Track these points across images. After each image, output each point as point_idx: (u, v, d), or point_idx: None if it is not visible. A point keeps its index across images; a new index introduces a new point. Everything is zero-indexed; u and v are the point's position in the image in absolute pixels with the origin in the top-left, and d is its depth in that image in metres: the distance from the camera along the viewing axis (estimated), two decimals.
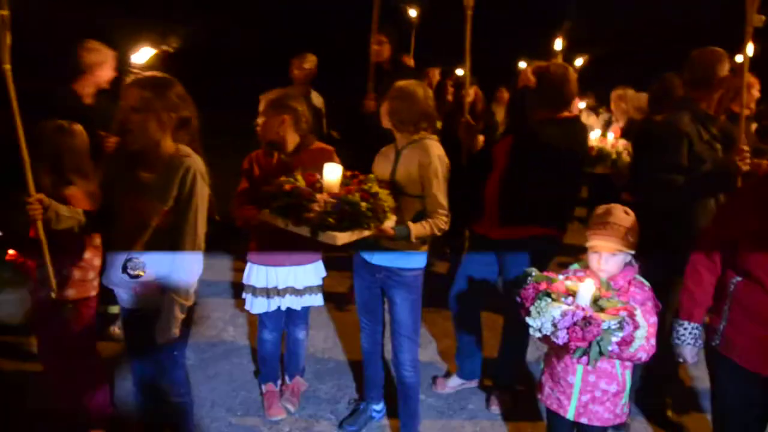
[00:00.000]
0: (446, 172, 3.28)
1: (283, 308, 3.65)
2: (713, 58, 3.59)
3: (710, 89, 3.57)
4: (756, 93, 4.40)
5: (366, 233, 2.94)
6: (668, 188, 3.48)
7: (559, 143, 3.59)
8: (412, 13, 5.98)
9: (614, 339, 2.27)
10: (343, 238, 2.82)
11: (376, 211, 2.90)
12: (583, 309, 2.31)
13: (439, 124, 5.90)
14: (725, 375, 2.87)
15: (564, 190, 3.74)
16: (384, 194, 3.01)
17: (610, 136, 5.80)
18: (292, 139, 3.47)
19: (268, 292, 3.59)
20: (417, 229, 3.16)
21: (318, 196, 2.87)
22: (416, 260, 3.37)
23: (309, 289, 3.67)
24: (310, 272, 3.66)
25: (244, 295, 3.68)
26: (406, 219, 3.21)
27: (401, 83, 3.27)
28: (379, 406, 3.79)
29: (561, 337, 2.30)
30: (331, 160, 3.30)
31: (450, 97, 6.33)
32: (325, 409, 3.89)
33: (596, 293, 2.45)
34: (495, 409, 3.97)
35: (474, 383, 4.22)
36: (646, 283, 2.68)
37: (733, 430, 2.94)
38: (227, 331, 4.94)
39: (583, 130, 3.87)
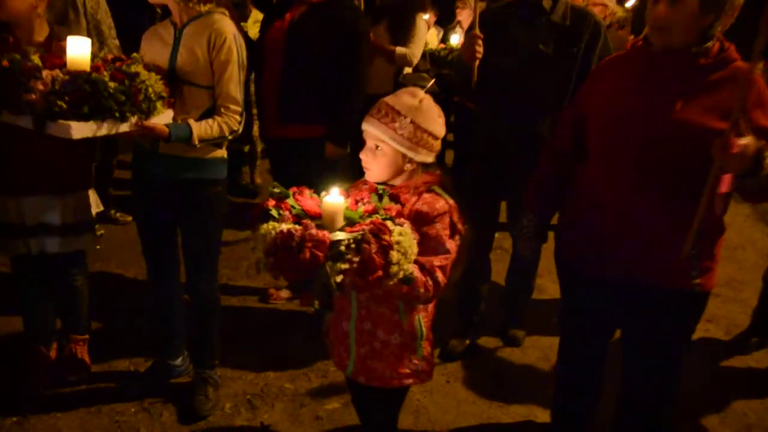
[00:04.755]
0: (243, 57, 2.55)
1: (37, 252, 2.73)
2: None
3: None
4: None
5: (123, 128, 2.15)
6: None
7: (328, 27, 3.12)
8: None
9: (343, 266, 1.53)
10: (81, 129, 2.02)
11: (134, 97, 2.10)
12: (308, 226, 1.56)
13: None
14: (565, 282, 2.53)
15: (342, 81, 3.20)
16: (150, 77, 2.21)
17: (454, 38, 5.65)
18: (40, 28, 2.53)
19: (15, 231, 2.67)
20: (200, 128, 2.42)
21: (45, 72, 2.01)
22: (212, 169, 2.63)
23: (74, 227, 2.75)
24: (75, 203, 2.74)
25: None
26: (192, 117, 2.46)
27: None
28: (179, 361, 3.05)
29: (271, 266, 1.58)
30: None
31: None
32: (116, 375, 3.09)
33: (358, 212, 1.71)
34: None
35: None
36: (447, 197, 1.90)
37: (570, 344, 2.60)
38: None
39: (353, 11, 3.32)
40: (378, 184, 1.88)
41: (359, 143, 1.95)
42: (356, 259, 1.54)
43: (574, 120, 2.34)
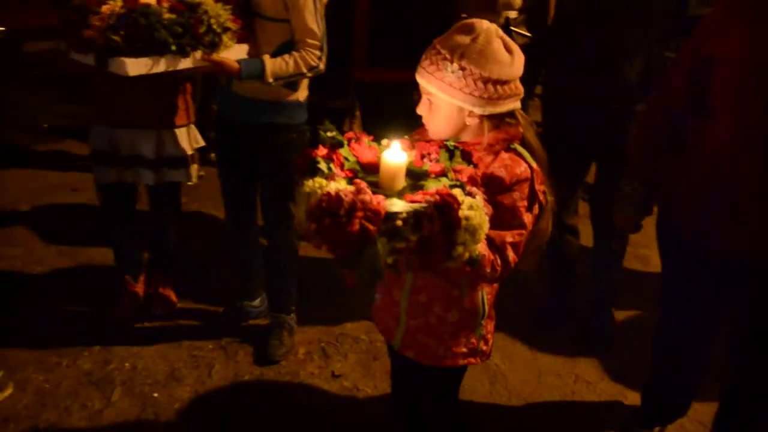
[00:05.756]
0: None
1: (131, 181, 2.79)
2: None
3: None
4: None
5: (186, 63, 2.07)
6: None
7: None
8: None
9: (398, 245, 1.29)
10: (137, 65, 1.96)
11: (193, 29, 2.01)
12: (362, 190, 1.28)
13: None
14: (671, 256, 2.20)
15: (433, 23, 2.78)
16: (215, 8, 2.10)
17: None
18: None
19: (109, 159, 2.73)
20: (275, 64, 2.28)
21: (104, 6, 1.96)
22: (287, 113, 2.51)
23: (168, 161, 2.75)
24: (169, 138, 2.73)
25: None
26: (267, 53, 2.34)
27: None
28: (256, 302, 3.05)
29: (313, 235, 1.32)
30: None
31: None
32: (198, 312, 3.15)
33: (424, 168, 1.43)
34: None
35: None
36: (530, 159, 1.58)
37: (671, 324, 2.29)
38: None
39: None
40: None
41: None
42: (414, 237, 1.28)
43: (694, 67, 1.96)
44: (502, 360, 2.86)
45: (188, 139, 2.75)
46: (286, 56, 2.31)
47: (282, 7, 2.30)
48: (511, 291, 2.22)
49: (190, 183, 2.87)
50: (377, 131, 3.00)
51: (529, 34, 4.37)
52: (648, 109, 2.19)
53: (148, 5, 1.96)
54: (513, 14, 4.15)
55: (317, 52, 2.34)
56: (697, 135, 1.96)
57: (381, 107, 3.07)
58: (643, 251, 3.58)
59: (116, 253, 3.00)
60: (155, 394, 2.59)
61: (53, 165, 4.70)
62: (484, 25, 1.53)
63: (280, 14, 2.31)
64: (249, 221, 2.82)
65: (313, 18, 2.31)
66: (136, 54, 1.94)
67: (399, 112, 3.00)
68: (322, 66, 2.37)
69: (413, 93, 2.96)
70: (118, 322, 2.93)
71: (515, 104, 1.59)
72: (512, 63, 1.53)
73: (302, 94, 2.52)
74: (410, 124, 2.99)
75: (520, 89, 1.58)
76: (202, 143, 2.84)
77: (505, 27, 4.18)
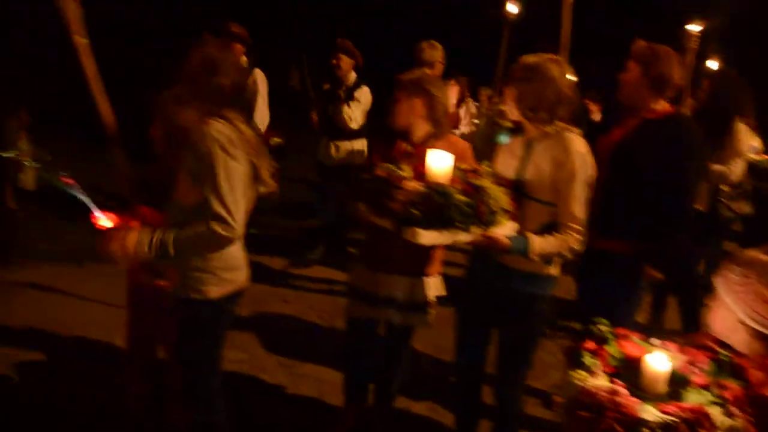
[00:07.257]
0: (589, 176, 2.59)
1: (380, 319, 3.09)
2: None
3: None
4: None
5: (464, 237, 2.33)
6: None
7: (662, 145, 2.89)
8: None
9: None
10: (428, 237, 2.24)
11: (478, 210, 2.29)
12: (617, 391, 1.45)
13: None
14: None
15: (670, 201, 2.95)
16: (496, 191, 2.37)
17: None
18: (421, 128, 2.93)
19: (366, 297, 3.04)
20: (539, 242, 2.48)
21: (406, 182, 2.31)
22: (542, 285, 2.68)
23: (416, 305, 3.01)
24: (421, 285, 3.01)
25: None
26: (531, 230, 2.55)
27: (530, 59, 2.59)
28: None
29: (566, 424, 1.52)
30: (463, 157, 2.71)
31: None
32: None
33: (690, 376, 1.55)
34: None
35: None
36: None
37: None
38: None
39: (689, 130, 3.00)
40: (721, 345, 1.65)
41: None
42: None
43: None
44: None
45: (435, 287, 3.02)
46: (550, 237, 2.50)
47: (554, 193, 2.54)
48: None
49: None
50: (592, 295, 3.08)
51: (736, 211, 4.38)
52: None
53: (444, 186, 2.29)
54: (726, 188, 4.14)
55: (578, 237, 2.51)
56: None
57: (601, 275, 3.16)
58: None
59: (346, 381, 3.22)
60: None
61: (261, 276, 5.18)
62: None
63: (550, 199, 2.54)
64: (478, 372, 2.95)
65: (578, 205, 2.51)
66: (428, 226, 2.23)
67: (621, 283, 3.09)
68: (580, 249, 2.54)
69: (643, 264, 3.02)
70: None
71: None
72: None
73: (556, 269, 2.68)
74: (627, 295, 3.05)
75: None
76: (443, 292, 3.07)
77: (714, 196, 4.20)
